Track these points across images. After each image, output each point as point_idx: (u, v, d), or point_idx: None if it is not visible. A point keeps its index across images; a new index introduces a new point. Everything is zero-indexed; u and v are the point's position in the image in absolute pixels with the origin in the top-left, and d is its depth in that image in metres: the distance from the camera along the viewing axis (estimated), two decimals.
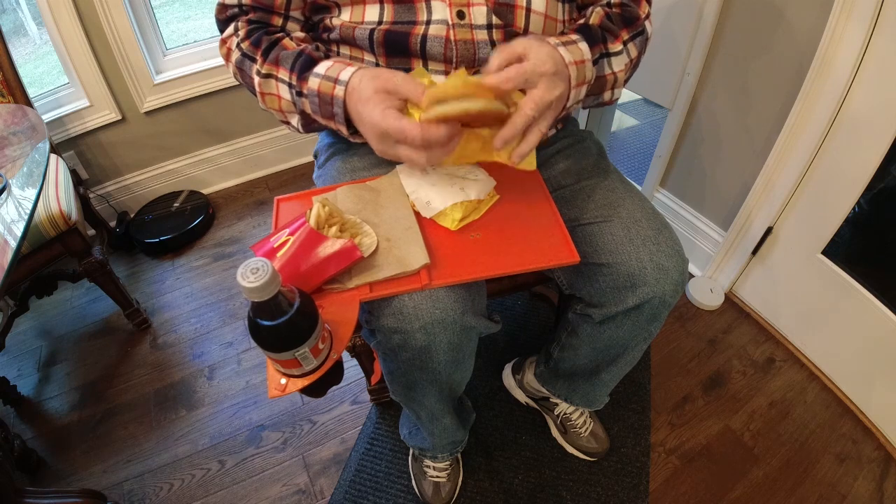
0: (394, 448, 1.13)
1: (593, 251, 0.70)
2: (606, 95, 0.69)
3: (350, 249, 0.56)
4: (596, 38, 0.63)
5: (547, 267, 0.63)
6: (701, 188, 1.40)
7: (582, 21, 0.68)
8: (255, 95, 0.68)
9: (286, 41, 0.66)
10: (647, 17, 0.71)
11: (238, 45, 0.67)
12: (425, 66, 0.67)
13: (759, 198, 1.22)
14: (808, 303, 1.22)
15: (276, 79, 0.64)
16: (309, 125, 0.68)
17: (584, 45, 0.61)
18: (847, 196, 1.05)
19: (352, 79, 0.58)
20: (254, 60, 0.65)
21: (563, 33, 0.64)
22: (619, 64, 0.67)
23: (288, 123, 0.69)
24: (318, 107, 0.62)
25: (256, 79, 0.65)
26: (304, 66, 0.62)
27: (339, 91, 0.59)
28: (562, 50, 0.58)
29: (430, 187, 0.65)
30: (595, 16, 0.67)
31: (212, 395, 1.27)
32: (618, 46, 0.66)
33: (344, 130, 0.63)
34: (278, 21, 0.70)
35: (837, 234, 1.10)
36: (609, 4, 0.69)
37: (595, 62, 0.63)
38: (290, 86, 0.63)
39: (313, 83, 0.60)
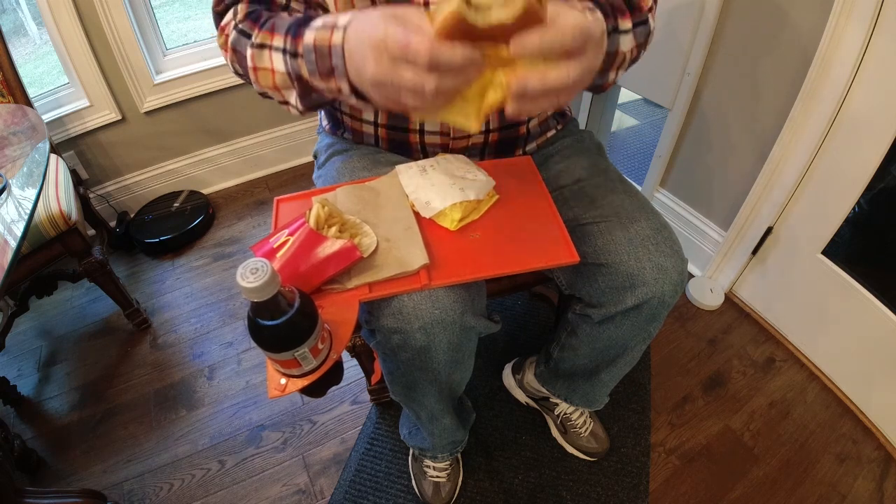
0: (394, 448, 1.13)
1: (592, 251, 0.70)
2: (611, 75, 0.64)
3: (349, 250, 0.56)
4: (606, 11, 0.59)
5: (546, 267, 0.63)
6: (701, 188, 1.40)
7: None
8: (250, 80, 0.62)
9: (285, 14, 0.61)
10: (651, 10, 0.67)
11: (235, 25, 0.62)
12: None
13: (759, 198, 1.22)
14: (807, 303, 1.22)
15: (271, 48, 0.57)
16: (307, 97, 0.59)
17: (599, 14, 0.55)
18: (847, 196, 1.05)
19: (352, 21, 0.50)
20: (248, 36, 0.60)
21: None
22: (626, 44, 0.62)
23: (286, 103, 0.62)
24: (314, 65, 0.53)
25: (250, 51, 0.59)
26: (299, 24, 0.55)
27: (336, 37, 0.50)
28: (591, 16, 0.51)
29: (429, 187, 0.65)
30: None
31: (212, 395, 1.27)
32: (627, 24, 0.62)
33: (345, 87, 0.53)
34: (280, 1, 0.65)
35: (837, 234, 1.10)
36: None
37: (609, 34, 0.58)
38: (283, 51, 0.56)
39: (308, 37, 0.53)
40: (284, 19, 0.58)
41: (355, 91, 0.53)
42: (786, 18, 1.03)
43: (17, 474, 1.10)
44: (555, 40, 0.43)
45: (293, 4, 0.66)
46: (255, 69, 0.60)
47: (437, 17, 0.41)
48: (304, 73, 0.56)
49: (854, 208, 1.06)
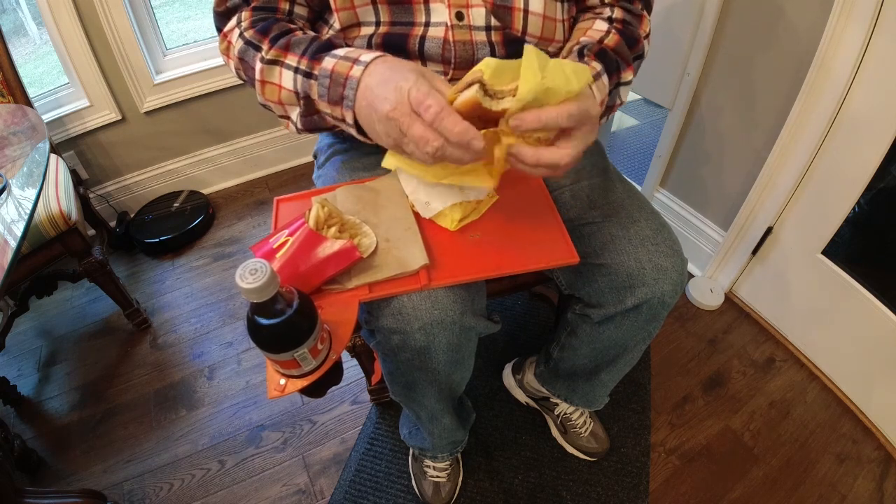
0: (394, 448, 1.13)
1: (592, 251, 0.70)
2: (603, 119, 0.66)
3: (349, 250, 0.56)
4: (612, 66, 0.62)
5: (546, 267, 0.63)
6: (701, 188, 1.40)
7: (598, 35, 0.65)
8: (255, 87, 0.63)
9: (299, 32, 0.61)
10: (647, 36, 0.69)
11: (241, 34, 0.62)
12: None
13: (759, 198, 1.22)
14: (808, 303, 1.22)
15: (283, 65, 0.59)
16: (308, 118, 0.61)
17: (605, 79, 0.60)
18: (847, 196, 1.05)
19: (374, 61, 0.52)
20: (258, 49, 0.60)
21: (581, 53, 0.62)
22: (625, 93, 0.66)
23: (286, 118, 0.64)
24: (326, 89, 0.55)
25: (258, 66, 0.60)
26: (320, 47, 0.57)
27: (356, 71, 0.53)
28: (594, 88, 0.58)
29: (429, 188, 0.65)
30: (612, 37, 0.64)
31: (212, 395, 1.27)
32: (629, 76, 0.65)
33: (349, 117, 0.55)
34: (284, 6, 0.65)
35: (837, 234, 1.10)
36: (611, 19, 0.67)
37: (609, 93, 0.62)
38: (296, 70, 0.58)
39: (328, 63, 0.55)
40: (301, 39, 0.59)
41: (357, 123, 0.56)
42: (786, 18, 1.03)
43: (17, 474, 1.10)
44: (550, 119, 0.48)
45: (297, 10, 0.66)
46: (262, 82, 0.61)
47: (458, 99, 0.48)
48: (314, 94, 0.57)
49: (854, 208, 1.06)
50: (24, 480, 1.12)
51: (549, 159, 0.50)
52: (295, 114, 0.62)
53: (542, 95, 0.47)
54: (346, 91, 0.54)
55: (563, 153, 0.50)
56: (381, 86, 0.51)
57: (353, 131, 0.58)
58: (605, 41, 0.64)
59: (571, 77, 0.48)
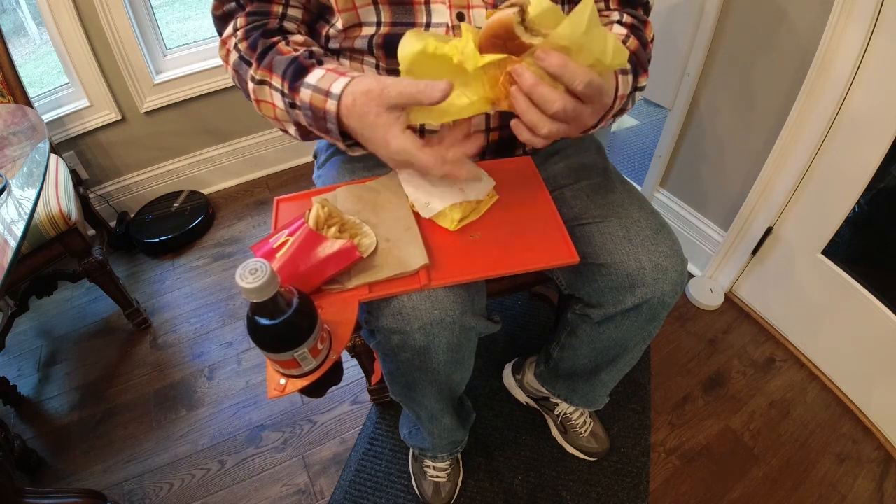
0: (394, 448, 1.13)
1: (592, 251, 0.70)
2: (612, 121, 0.67)
3: (349, 250, 0.56)
4: (635, 70, 0.62)
5: (547, 267, 0.63)
6: (701, 188, 1.40)
7: (620, 38, 0.65)
8: (251, 101, 0.65)
9: (282, 45, 0.62)
10: (651, 40, 0.69)
11: (236, 45, 0.63)
12: None
13: (759, 198, 1.22)
14: (808, 303, 1.22)
15: (270, 86, 0.60)
16: (306, 135, 0.64)
17: (630, 78, 0.60)
18: (847, 196, 1.05)
19: (344, 94, 0.54)
20: (249, 64, 0.62)
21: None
22: (638, 97, 0.66)
23: (285, 132, 0.66)
24: (312, 120, 0.58)
25: (251, 84, 0.62)
26: (294, 74, 0.58)
27: (330, 105, 0.55)
28: (620, 81, 0.58)
29: (429, 188, 0.65)
30: (632, 42, 0.64)
31: (212, 395, 1.27)
32: (644, 81, 0.65)
33: (341, 145, 0.59)
34: (278, 9, 0.65)
35: (837, 234, 1.10)
36: (620, 23, 0.67)
37: (629, 94, 0.62)
38: (283, 94, 0.59)
39: (305, 94, 0.56)
40: (281, 60, 0.60)
41: (352, 143, 0.59)
42: (785, 18, 1.03)
43: (17, 474, 1.10)
44: (572, 72, 0.47)
45: (291, 12, 0.66)
46: (257, 101, 0.63)
47: (493, 16, 0.47)
48: (303, 122, 0.60)
49: (854, 208, 1.06)
50: (24, 480, 1.12)
51: (544, 93, 0.48)
52: (292, 129, 0.63)
53: (576, 49, 0.46)
54: (328, 125, 0.56)
55: (561, 96, 0.48)
56: (366, 138, 0.55)
57: (350, 153, 0.62)
58: (627, 44, 0.64)
59: (609, 51, 0.47)
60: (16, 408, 1.28)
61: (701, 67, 1.22)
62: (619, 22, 0.67)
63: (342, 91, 0.54)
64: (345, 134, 0.58)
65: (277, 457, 1.14)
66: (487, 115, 0.71)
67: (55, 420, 1.25)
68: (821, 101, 1.01)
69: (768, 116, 1.14)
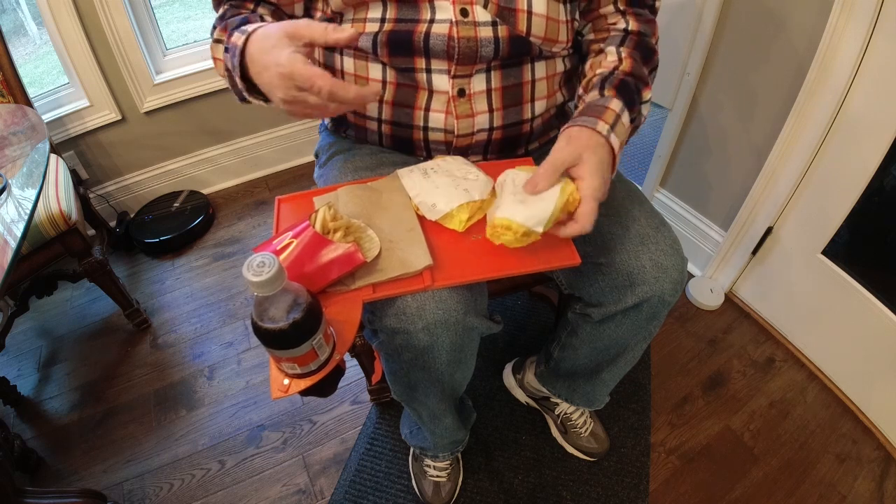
0: (394, 448, 1.13)
1: (592, 250, 0.70)
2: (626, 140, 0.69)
3: (352, 254, 0.56)
4: (633, 98, 0.63)
5: (548, 269, 0.64)
6: (701, 188, 1.40)
7: (612, 64, 0.66)
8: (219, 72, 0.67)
9: (245, 11, 0.66)
10: (656, 42, 0.71)
11: (212, 27, 0.67)
12: (427, 63, 0.67)
13: (759, 198, 1.22)
14: (808, 303, 1.23)
15: (221, 41, 0.63)
16: (235, 88, 0.64)
17: (626, 117, 0.61)
18: (847, 196, 1.05)
19: (257, 29, 0.56)
20: (213, 32, 0.66)
21: (602, 86, 0.63)
22: (647, 109, 0.68)
23: (235, 87, 0.65)
24: (229, 61, 0.60)
25: (211, 44, 0.65)
26: (238, 23, 0.61)
27: (239, 39, 0.57)
28: (613, 139, 0.59)
29: (433, 190, 0.65)
30: (626, 63, 0.66)
31: (212, 395, 1.27)
32: (648, 94, 0.66)
33: (239, 83, 0.60)
34: (250, 6, 0.69)
35: (837, 234, 1.11)
36: (626, 31, 0.69)
37: (632, 120, 0.63)
38: (224, 43, 0.62)
39: (234, 37, 0.59)
40: (237, 17, 0.63)
41: (254, 87, 0.60)
42: (785, 19, 1.03)
43: (17, 474, 1.10)
44: (583, 229, 0.56)
45: (260, 10, 0.69)
46: (214, 60, 0.67)
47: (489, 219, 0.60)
48: (228, 65, 0.61)
49: (854, 208, 1.06)
50: (24, 480, 1.11)
51: (586, 220, 0.56)
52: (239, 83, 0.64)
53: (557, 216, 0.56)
54: (233, 60, 0.58)
55: (581, 227, 0.56)
56: (265, 72, 0.55)
57: (246, 96, 0.62)
58: (621, 68, 0.66)
59: (560, 204, 0.56)
60: (16, 408, 1.27)
61: (701, 67, 1.22)
62: (621, 30, 0.68)
63: (256, 27, 0.57)
64: (244, 77, 0.59)
65: (277, 457, 1.14)
66: (490, 116, 0.72)
67: (55, 420, 1.25)
68: (821, 102, 1.01)
69: (768, 116, 1.14)
